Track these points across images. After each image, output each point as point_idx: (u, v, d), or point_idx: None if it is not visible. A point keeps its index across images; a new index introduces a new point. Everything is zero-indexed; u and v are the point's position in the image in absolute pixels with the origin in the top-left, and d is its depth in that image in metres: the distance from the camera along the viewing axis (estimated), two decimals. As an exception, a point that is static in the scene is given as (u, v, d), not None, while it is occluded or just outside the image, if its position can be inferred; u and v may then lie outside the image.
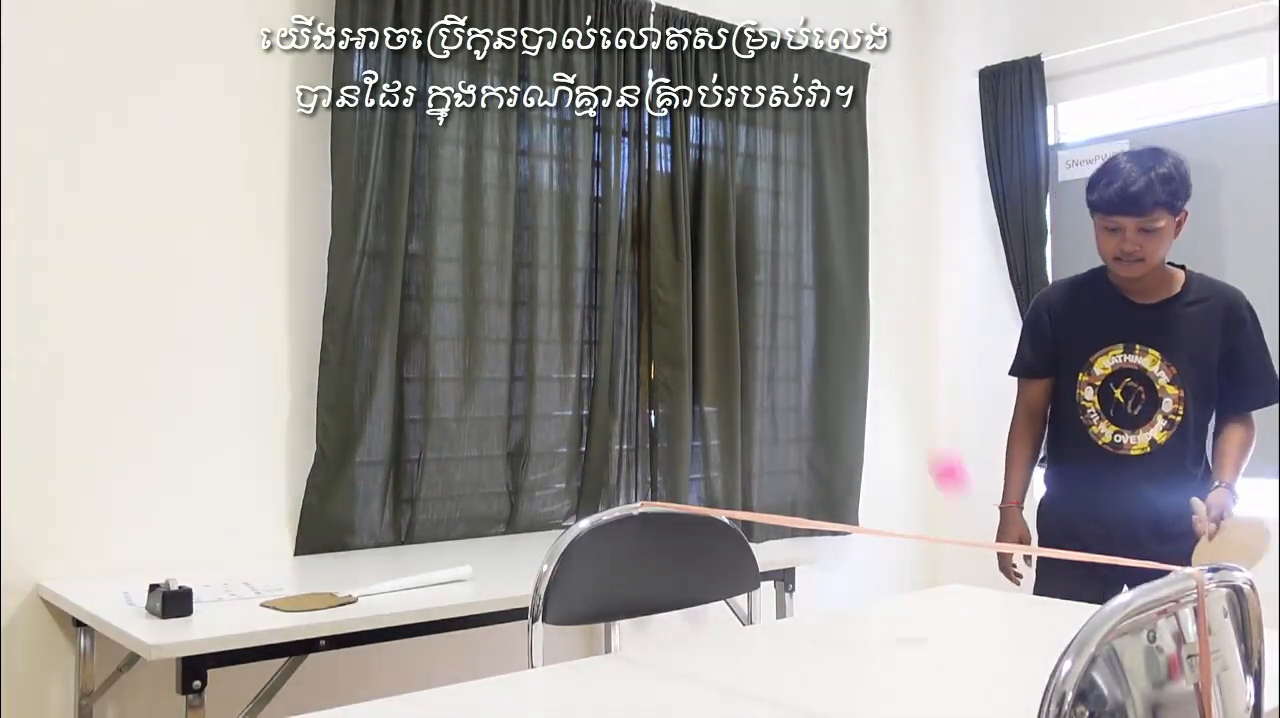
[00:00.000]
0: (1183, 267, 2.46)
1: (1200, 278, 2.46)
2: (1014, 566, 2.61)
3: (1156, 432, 2.38)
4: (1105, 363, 2.42)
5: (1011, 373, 2.65)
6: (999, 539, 2.63)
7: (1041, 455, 2.64)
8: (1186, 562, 1.99)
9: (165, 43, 2.65)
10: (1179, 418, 2.38)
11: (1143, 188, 2.26)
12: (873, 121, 4.13)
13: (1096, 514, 2.42)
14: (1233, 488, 2.35)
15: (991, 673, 1.52)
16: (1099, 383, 2.43)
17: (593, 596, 1.80)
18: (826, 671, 1.55)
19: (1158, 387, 2.37)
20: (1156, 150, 2.36)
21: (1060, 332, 2.51)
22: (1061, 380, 2.50)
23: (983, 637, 1.80)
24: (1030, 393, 2.59)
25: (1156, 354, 2.38)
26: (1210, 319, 2.39)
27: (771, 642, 1.75)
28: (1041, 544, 2.57)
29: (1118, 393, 2.41)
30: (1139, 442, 2.39)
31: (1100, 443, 2.42)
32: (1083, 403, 2.44)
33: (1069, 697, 0.90)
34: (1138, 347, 2.39)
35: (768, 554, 2.80)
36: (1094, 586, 2.06)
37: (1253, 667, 1.13)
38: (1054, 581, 2.41)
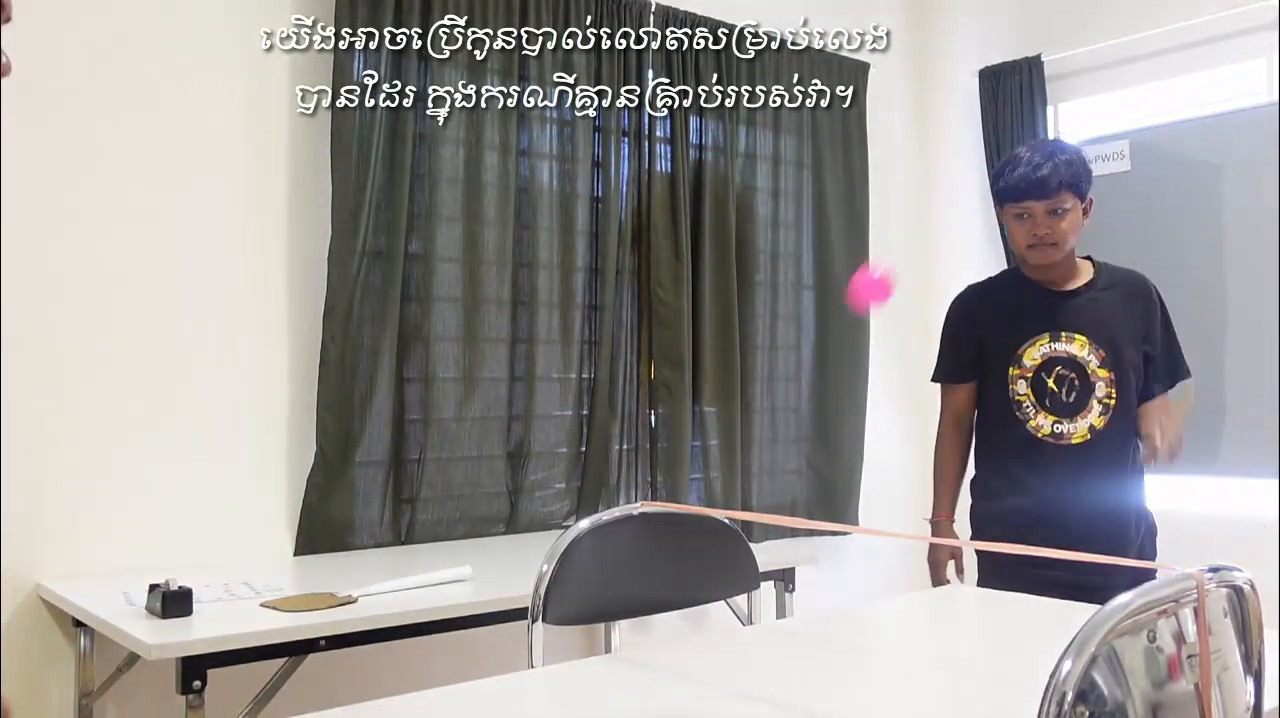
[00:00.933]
0: (1089, 257, 2.48)
1: (1108, 266, 2.47)
2: (948, 580, 2.59)
3: (1094, 417, 2.36)
4: (1034, 353, 2.40)
5: (934, 379, 2.65)
6: (930, 557, 2.61)
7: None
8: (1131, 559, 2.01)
9: (165, 43, 2.65)
10: (1112, 402, 2.37)
11: (1048, 171, 2.30)
12: (873, 121, 4.13)
13: (1041, 511, 2.37)
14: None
15: (991, 673, 1.52)
16: (1030, 374, 2.40)
17: (593, 596, 1.80)
18: (826, 671, 1.55)
19: (1089, 371, 2.36)
20: (1057, 141, 2.44)
21: (982, 330, 2.50)
22: (990, 379, 2.48)
23: (983, 637, 1.80)
24: (955, 399, 2.59)
25: (1084, 339, 2.37)
26: (1126, 302, 2.42)
27: (771, 642, 1.75)
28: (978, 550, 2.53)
29: (1050, 382, 2.39)
30: (1078, 429, 2.37)
31: (1040, 435, 2.39)
32: (1016, 397, 2.41)
33: (1069, 697, 0.90)
34: (1063, 334, 2.39)
35: (768, 554, 2.80)
36: (1041, 590, 2.07)
37: (1253, 667, 1.13)
38: (998, 585, 2.33)
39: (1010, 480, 2.46)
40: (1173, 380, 2.48)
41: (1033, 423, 2.40)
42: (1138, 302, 2.44)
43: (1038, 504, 2.38)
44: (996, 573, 2.35)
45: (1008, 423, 2.43)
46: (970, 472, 2.62)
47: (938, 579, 2.62)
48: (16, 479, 2.43)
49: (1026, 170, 2.32)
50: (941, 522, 2.60)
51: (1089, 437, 2.36)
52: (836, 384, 3.93)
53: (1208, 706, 1.02)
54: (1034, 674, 0.94)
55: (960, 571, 2.63)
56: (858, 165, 4.04)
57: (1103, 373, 2.36)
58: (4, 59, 0.83)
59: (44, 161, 2.47)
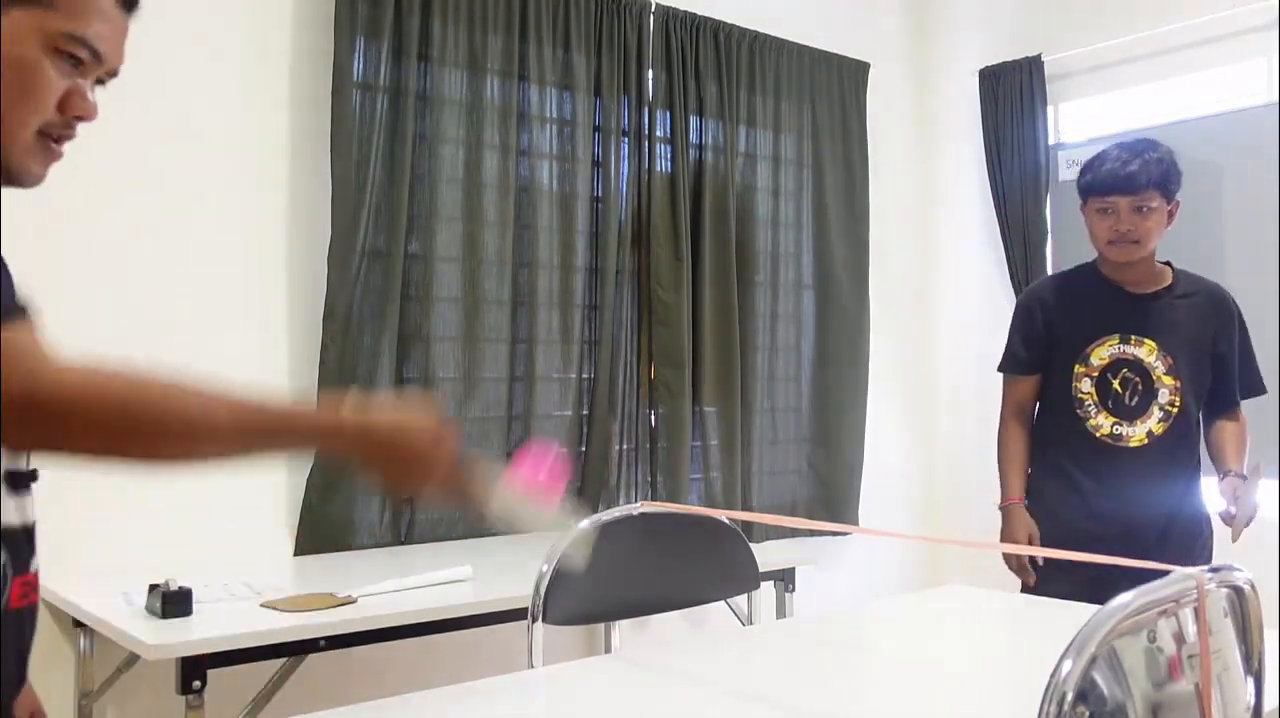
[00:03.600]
0: (1168, 263, 2.46)
1: (1187, 274, 2.47)
2: (1027, 566, 2.49)
3: (1154, 423, 2.36)
4: (1102, 353, 2.40)
5: (1000, 369, 2.62)
6: (1004, 539, 2.59)
7: None
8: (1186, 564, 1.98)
9: (165, 43, 2.65)
10: (1175, 409, 2.36)
11: (1137, 168, 2.30)
12: (873, 121, 4.13)
13: (1095, 510, 2.39)
14: (1243, 476, 2.32)
15: (991, 673, 1.52)
16: (1096, 374, 2.40)
17: (593, 596, 1.80)
18: (826, 671, 1.55)
19: (1154, 377, 2.36)
20: (1149, 140, 2.39)
21: (1054, 324, 2.48)
22: (1055, 374, 2.47)
23: (983, 637, 1.80)
24: (1019, 389, 2.56)
25: (1153, 344, 2.36)
26: (1203, 312, 2.41)
27: (771, 642, 1.75)
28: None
29: (1115, 384, 2.39)
30: (1137, 433, 2.36)
31: (1099, 435, 2.39)
32: (1079, 395, 2.41)
33: (1069, 697, 0.90)
34: (1133, 337, 2.38)
35: (768, 554, 2.80)
36: (1088, 589, 2.06)
37: (1253, 667, 1.13)
38: (1048, 583, 2.35)
39: (1067, 482, 2.44)
40: (1249, 393, 2.46)
41: (1093, 422, 2.40)
42: (1214, 312, 2.42)
43: (1098, 509, 2.36)
44: (1057, 584, 2.29)
45: (1068, 420, 2.42)
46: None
47: (1018, 564, 2.49)
48: (16, 479, 2.42)
49: (1115, 166, 2.31)
50: (1012, 506, 2.52)
51: (1146, 441, 2.36)
52: (836, 384, 3.93)
53: (1208, 706, 1.02)
54: (1034, 674, 0.94)
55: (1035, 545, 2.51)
56: (858, 165, 4.04)
57: (1168, 380, 2.35)
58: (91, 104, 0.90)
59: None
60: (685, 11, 3.53)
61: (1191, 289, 2.44)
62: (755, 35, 3.72)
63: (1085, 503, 2.42)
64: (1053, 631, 1.77)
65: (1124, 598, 0.98)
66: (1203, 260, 3.64)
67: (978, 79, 4.20)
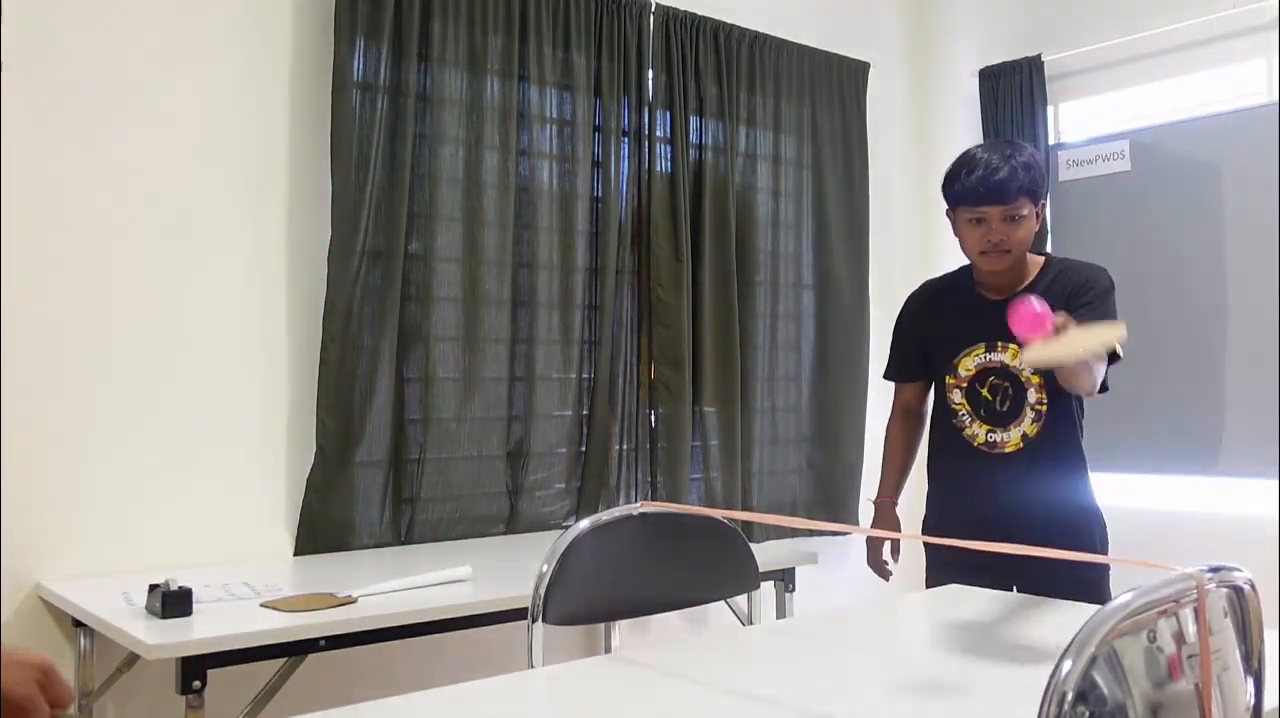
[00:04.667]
0: (1046, 255, 2.41)
1: (1061, 262, 2.38)
2: (884, 561, 2.63)
3: (1026, 425, 2.33)
4: (969, 364, 2.38)
5: (885, 377, 2.66)
6: (869, 539, 2.64)
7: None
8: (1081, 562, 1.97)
9: (165, 44, 2.65)
10: (1044, 407, 2.32)
11: (1006, 176, 2.22)
12: (873, 122, 4.14)
13: (976, 517, 2.37)
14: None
15: (991, 673, 1.52)
16: (965, 384, 2.39)
17: (593, 596, 1.80)
18: (826, 671, 1.55)
19: (1022, 379, 2.33)
20: (1011, 142, 2.33)
21: (925, 336, 2.49)
22: (936, 384, 2.48)
23: (982, 637, 1.80)
24: (904, 395, 2.62)
25: (1015, 348, 2.30)
26: (1055, 297, 2.25)
27: (771, 642, 1.75)
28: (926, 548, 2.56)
29: (984, 392, 2.37)
30: (1011, 438, 2.34)
31: (975, 444, 2.38)
32: (953, 405, 2.41)
33: (1069, 697, 0.90)
34: (998, 343, 2.34)
35: (768, 554, 2.80)
36: (984, 582, 2.13)
37: (1253, 667, 1.13)
38: (942, 578, 2.38)
39: (953, 489, 2.47)
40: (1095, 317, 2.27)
41: (969, 431, 2.39)
42: (1066, 294, 2.29)
43: (980, 516, 2.37)
44: (945, 574, 2.37)
45: (949, 429, 2.43)
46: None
47: (874, 559, 2.63)
48: (16, 479, 2.43)
49: (984, 174, 2.24)
50: (884, 502, 2.63)
51: (1021, 445, 2.34)
52: (836, 384, 3.93)
53: (1208, 706, 1.02)
54: (1034, 674, 0.94)
55: (895, 552, 2.64)
56: (858, 165, 4.04)
57: (1035, 379, 2.32)
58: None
59: (44, 162, 2.47)
60: (685, 11, 3.53)
61: (1054, 277, 2.34)
62: (755, 35, 3.73)
63: (965, 511, 2.42)
64: (1053, 631, 1.78)
65: (1124, 598, 0.98)
66: (1203, 260, 3.67)
67: (978, 79, 4.21)
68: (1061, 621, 1.85)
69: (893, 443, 2.64)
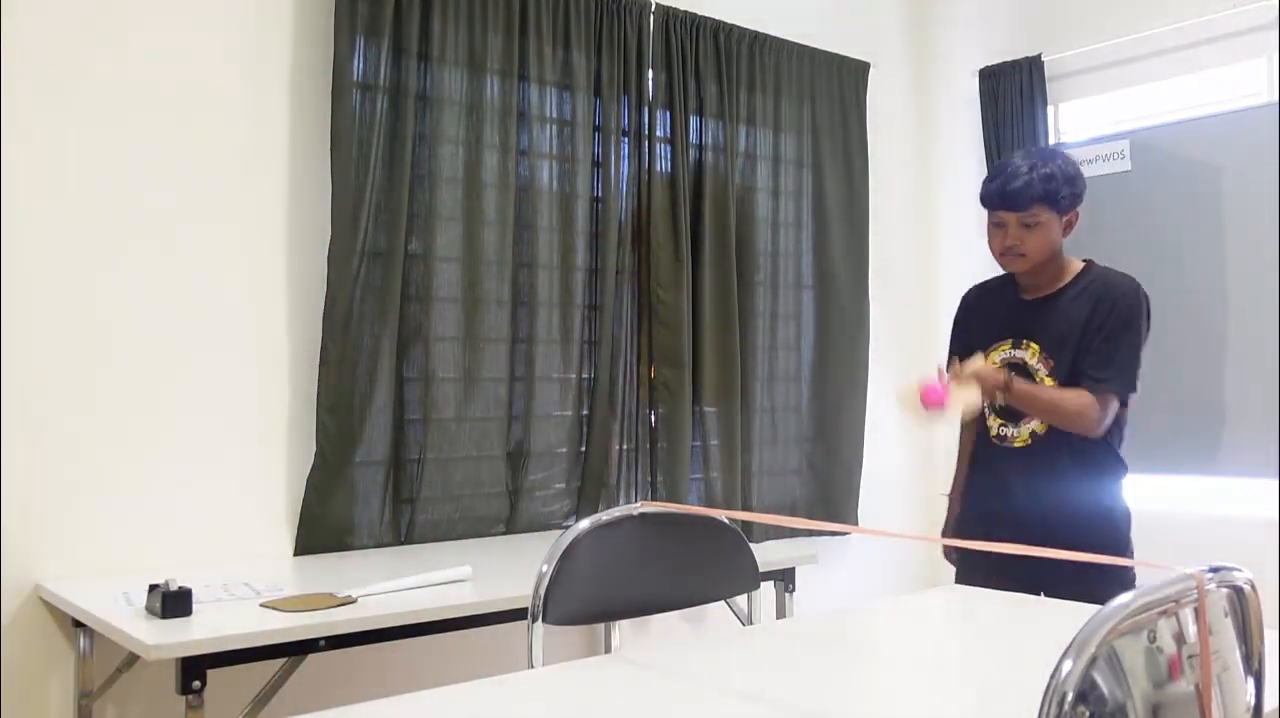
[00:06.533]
0: (1089, 261, 2.45)
1: (1100, 270, 2.42)
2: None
3: (1036, 423, 2.41)
4: (995, 358, 2.47)
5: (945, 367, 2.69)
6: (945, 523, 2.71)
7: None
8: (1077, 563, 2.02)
9: (165, 43, 2.65)
10: None
11: (1021, 185, 2.33)
12: (873, 122, 4.14)
13: (987, 506, 2.49)
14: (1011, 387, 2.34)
15: (991, 673, 1.52)
16: None
17: (593, 596, 1.80)
18: (826, 671, 1.55)
19: (1037, 379, 2.39)
20: (1052, 150, 2.43)
21: (969, 331, 2.60)
22: None
23: (982, 637, 1.80)
24: None
25: (1036, 347, 2.41)
26: (1083, 304, 2.36)
27: (771, 642, 1.75)
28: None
29: None
30: (1020, 434, 2.43)
31: (991, 435, 2.49)
32: None
33: (1069, 697, 0.90)
34: (1024, 341, 2.44)
35: (768, 554, 2.80)
36: (1007, 585, 2.18)
37: (1253, 667, 1.13)
38: (970, 574, 2.50)
39: (974, 479, 2.58)
40: (1092, 375, 2.32)
41: (988, 422, 2.50)
42: (1094, 303, 2.35)
43: (993, 510, 2.47)
44: (973, 572, 2.49)
45: (980, 419, 2.53)
46: None
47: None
48: (16, 480, 2.43)
49: (1003, 181, 2.36)
50: (949, 496, 2.72)
51: (1030, 442, 2.41)
52: (836, 384, 3.93)
53: (1208, 706, 1.02)
54: (1034, 674, 0.94)
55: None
56: (858, 165, 4.04)
57: (1049, 381, 2.38)
58: None
59: (44, 162, 2.48)
60: (685, 11, 3.53)
61: (1086, 285, 2.39)
62: (755, 35, 3.73)
63: (980, 500, 2.54)
64: (1053, 631, 1.78)
65: (1124, 598, 0.98)
66: (1203, 260, 3.67)
67: (978, 79, 4.21)
68: (1062, 621, 1.85)
69: (960, 439, 2.70)
